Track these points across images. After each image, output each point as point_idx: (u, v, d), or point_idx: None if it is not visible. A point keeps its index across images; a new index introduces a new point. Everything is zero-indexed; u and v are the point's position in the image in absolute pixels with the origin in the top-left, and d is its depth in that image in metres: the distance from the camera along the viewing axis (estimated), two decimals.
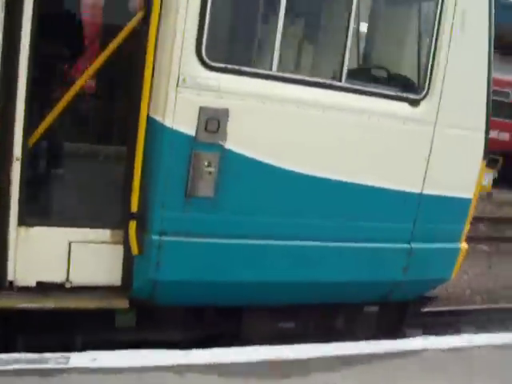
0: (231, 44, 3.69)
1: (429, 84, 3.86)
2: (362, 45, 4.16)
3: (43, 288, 3.41)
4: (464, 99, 4.02)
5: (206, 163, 3.36)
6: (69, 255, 3.42)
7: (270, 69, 3.42)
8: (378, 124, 3.77)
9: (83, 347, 3.52)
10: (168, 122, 3.25)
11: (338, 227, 3.82)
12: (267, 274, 3.69)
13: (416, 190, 4.01)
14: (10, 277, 3.33)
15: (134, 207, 3.35)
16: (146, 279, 3.48)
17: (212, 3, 3.19)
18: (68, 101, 3.28)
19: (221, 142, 3.37)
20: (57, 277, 3.43)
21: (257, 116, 3.44)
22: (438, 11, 3.78)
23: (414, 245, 4.12)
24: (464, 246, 4.38)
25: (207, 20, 3.20)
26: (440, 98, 3.92)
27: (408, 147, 3.91)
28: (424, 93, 3.87)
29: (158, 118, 3.27)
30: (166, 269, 3.47)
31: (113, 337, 3.78)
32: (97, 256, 3.48)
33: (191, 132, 3.30)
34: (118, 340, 3.76)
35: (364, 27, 4.04)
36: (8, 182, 3.19)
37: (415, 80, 3.90)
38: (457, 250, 4.32)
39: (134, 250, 3.42)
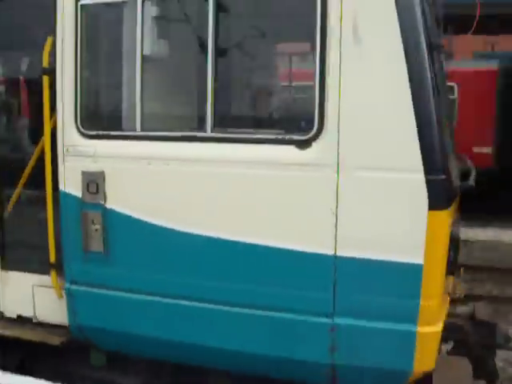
0: (102, 112, 3.87)
1: (319, 119, 3.11)
2: (233, 85, 3.61)
3: (23, 320, 4.35)
4: (378, 131, 3.03)
5: (92, 221, 3.70)
6: (33, 296, 4.25)
7: (135, 129, 3.53)
8: (259, 174, 3.27)
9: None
10: (62, 187, 3.78)
11: (235, 291, 3.42)
12: (159, 330, 3.63)
13: (327, 251, 3.19)
14: (1, 308, 4.41)
15: (52, 258, 3.96)
16: (70, 322, 3.98)
17: (81, 82, 3.61)
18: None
19: (101, 202, 3.66)
20: (28, 312, 4.31)
21: (128, 176, 3.58)
22: (318, 22, 3.06)
23: (338, 320, 3.24)
24: (428, 329, 3.11)
25: (78, 96, 3.63)
26: (338, 134, 3.09)
27: (304, 199, 3.20)
28: (314, 131, 3.13)
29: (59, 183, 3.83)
30: (80, 314, 3.91)
31: (88, 373, 4.35)
32: (51, 298, 4.19)
33: (79, 194, 3.72)
34: (89, 376, 4.32)
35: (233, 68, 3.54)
36: None
37: (301, 117, 3.20)
38: (411, 335, 3.11)
39: (58, 295, 4.01)
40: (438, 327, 3.17)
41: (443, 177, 3.02)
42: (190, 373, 4.04)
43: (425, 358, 3.17)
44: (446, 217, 3.05)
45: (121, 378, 4.29)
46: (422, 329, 3.11)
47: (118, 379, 4.29)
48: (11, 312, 4.36)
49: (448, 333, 4.50)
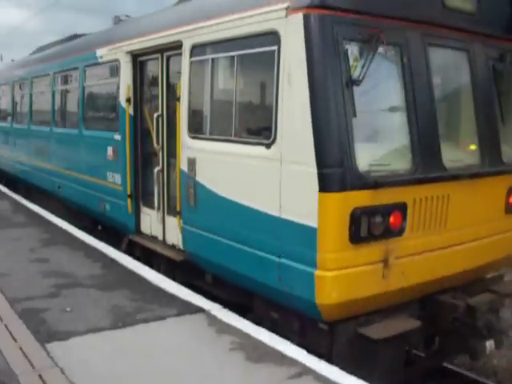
0: (196, 123, 6.14)
1: (275, 131, 4.93)
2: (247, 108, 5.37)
3: (174, 246, 7.23)
4: (296, 140, 4.71)
5: (190, 187, 6.27)
6: (176, 232, 7.08)
7: (205, 134, 5.92)
8: (249, 163, 5.27)
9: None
10: (181, 166, 6.46)
11: (239, 234, 5.50)
12: (220, 258, 5.92)
13: (277, 214, 4.98)
14: (165, 238, 7.41)
15: (178, 208, 6.69)
16: (184, 248, 6.65)
17: (189, 106, 6.21)
18: None
19: (193, 176, 6.19)
20: (175, 242, 7.16)
21: (203, 161, 6.00)
22: (275, 72, 4.86)
23: (282, 260, 4.98)
24: (324, 273, 4.56)
25: (188, 113, 6.24)
26: (281, 141, 4.86)
27: (268, 179, 5.05)
28: (272, 138, 4.96)
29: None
30: (187, 243, 6.54)
31: (202, 286, 6.94)
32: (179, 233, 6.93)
33: (186, 171, 6.34)
34: (203, 289, 6.90)
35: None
36: (163, 196, 7.35)
37: (269, 129, 5.00)
38: (311, 275, 4.63)
39: (180, 231, 6.72)
40: (332, 274, 4.58)
41: (335, 170, 4.47)
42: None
43: (322, 293, 4.64)
44: (336, 197, 4.48)
45: (220, 292, 6.72)
46: (317, 272, 4.63)
47: (218, 293, 6.74)
48: (169, 241, 7.34)
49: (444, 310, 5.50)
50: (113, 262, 7.34)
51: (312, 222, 4.63)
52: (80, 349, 4.74)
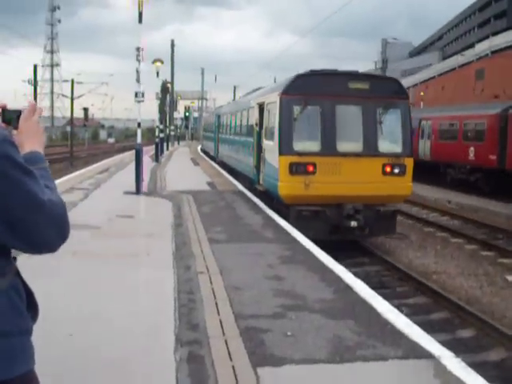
0: (265, 134, 15.25)
1: (274, 136, 13.98)
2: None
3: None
4: (275, 139, 13.69)
5: (263, 159, 15.61)
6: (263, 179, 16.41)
7: (265, 137, 15.21)
8: (270, 148, 14.40)
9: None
10: (262, 151, 15.83)
11: (271, 174, 14.62)
12: (268, 186, 15.17)
13: (275, 165, 14.00)
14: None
15: (262, 168, 16.04)
16: (262, 183, 15.98)
17: (265, 128, 15.60)
18: None
19: (264, 154, 15.53)
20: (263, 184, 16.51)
21: (265, 149, 15.29)
22: (276, 115, 13.91)
23: (278, 183, 13.96)
24: (281, 183, 13.44)
25: (264, 131, 15.61)
26: (274, 139, 13.94)
27: (273, 153, 14.12)
28: (274, 138, 14.02)
29: None
30: (264, 182, 15.89)
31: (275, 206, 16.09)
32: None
33: (264, 153, 15.68)
34: (275, 207, 16.06)
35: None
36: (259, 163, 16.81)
37: (273, 135, 14.02)
38: (277, 184, 13.57)
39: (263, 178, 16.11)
40: (283, 184, 13.43)
41: (285, 148, 13.34)
42: None
43: (281, 190, 13.61)
44: (285, 157, 13.33)
45: (277, 206, 15.83)
46: (279, 183, 13.62)
47: (276, 206, 15.85)
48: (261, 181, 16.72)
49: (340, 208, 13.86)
50: (347, 287, 7.13)
51: (277, 166, 13.60)
52: (290, 379, 4.64)
